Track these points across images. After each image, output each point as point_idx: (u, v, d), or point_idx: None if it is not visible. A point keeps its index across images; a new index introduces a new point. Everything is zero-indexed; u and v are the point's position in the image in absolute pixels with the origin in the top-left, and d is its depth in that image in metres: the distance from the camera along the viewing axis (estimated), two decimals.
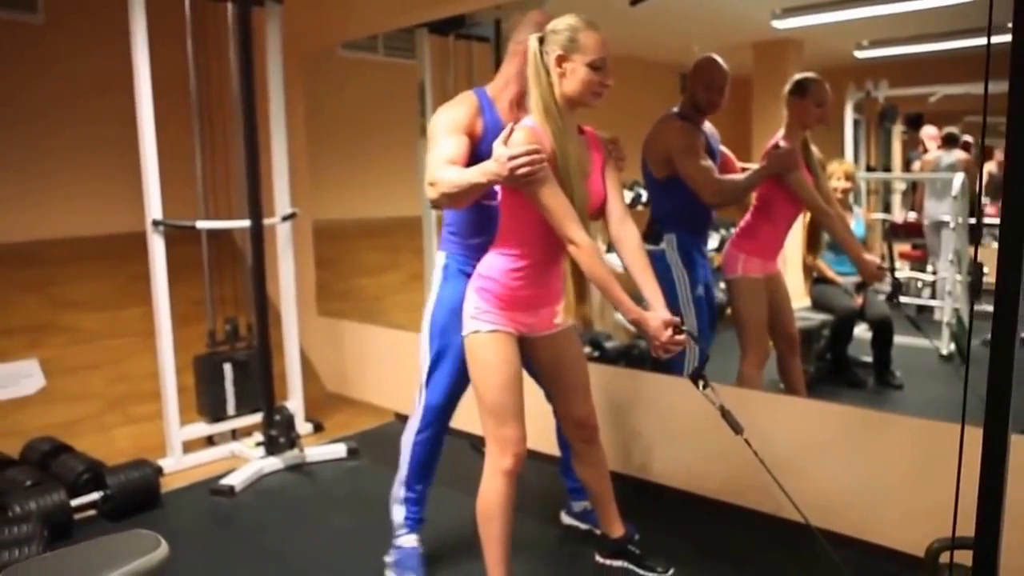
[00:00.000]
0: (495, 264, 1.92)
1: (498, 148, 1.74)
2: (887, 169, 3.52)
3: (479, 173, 1.78)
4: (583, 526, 2.58)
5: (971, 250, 3.06)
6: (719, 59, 2.71)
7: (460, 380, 2.19)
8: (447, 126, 1.99)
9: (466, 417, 2.25)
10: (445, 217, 2.23)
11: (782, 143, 2.67)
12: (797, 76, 2.65)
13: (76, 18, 3.99)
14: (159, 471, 2.94)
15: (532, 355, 2.07)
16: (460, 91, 2.15)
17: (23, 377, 3.48)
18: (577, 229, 1.78)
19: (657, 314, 1.84)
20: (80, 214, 4.07)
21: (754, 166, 2.80)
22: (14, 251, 3.84)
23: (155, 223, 3.11)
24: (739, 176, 2.79)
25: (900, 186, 3.58)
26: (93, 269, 4.00)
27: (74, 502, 2.61)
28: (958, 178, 3.05)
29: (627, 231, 1.96)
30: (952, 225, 3.06)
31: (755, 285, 2.75)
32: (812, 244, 2.87)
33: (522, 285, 1.90)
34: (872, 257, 2.70)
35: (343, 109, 4.15)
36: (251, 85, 3.13)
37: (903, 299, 3.41)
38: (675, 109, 2.78)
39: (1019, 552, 1.78)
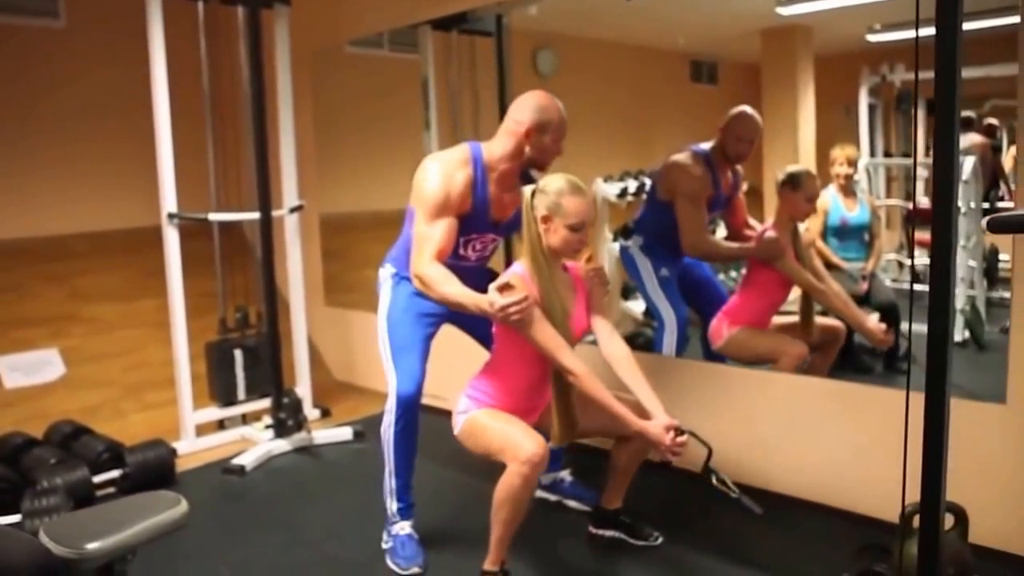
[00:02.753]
0: (487, 381, 2.11)
1: (492, 295, 1.90)
2: (907, 155, 3.48)
3: (471, 302, 1.96)
4: (552, 497, 2.69)
5: (984, 236, 3.04)
6: (753, 113, 2.81)
7: (423, 364, 2.34)
8: (441, 203, 2.09)
9: None
10: (403, 232, 2.32)
11: (770, 233, 2.76)
12: (789, 169, 2.74)
13: (96, 22, 4.13)
14: (174, 451, 3.08)
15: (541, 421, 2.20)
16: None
17: (45, 365, 3.64)
18: (571, 358, 1.95)
19: (657, 421, 1.96)
20: (97, 210, 4.22)
21: (759, 226, 2.92)
22: (38, 245, 4.00)
23: (170, 216, 3.25)
24: (724, 243, 2.93)
25: (924, 172, 3.59)
26: (109, 263, 4.15)
27: (96, 478, 2.76)
28: (968, 161, 2.99)
29: (616, 348, 2.12)
30: (964, 210, 3.02)
31: (743, 331, 2.82)
32: (806, 322, 2.83)
33: (511, 403, 2.09)
34: (878, 324, 2.76)
35: (349, 104, 4.27)
36: (261, 83, 3.27)
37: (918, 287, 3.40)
38: (705, 146, 2.87)
39: (990, 513, 1.90)
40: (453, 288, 2.01)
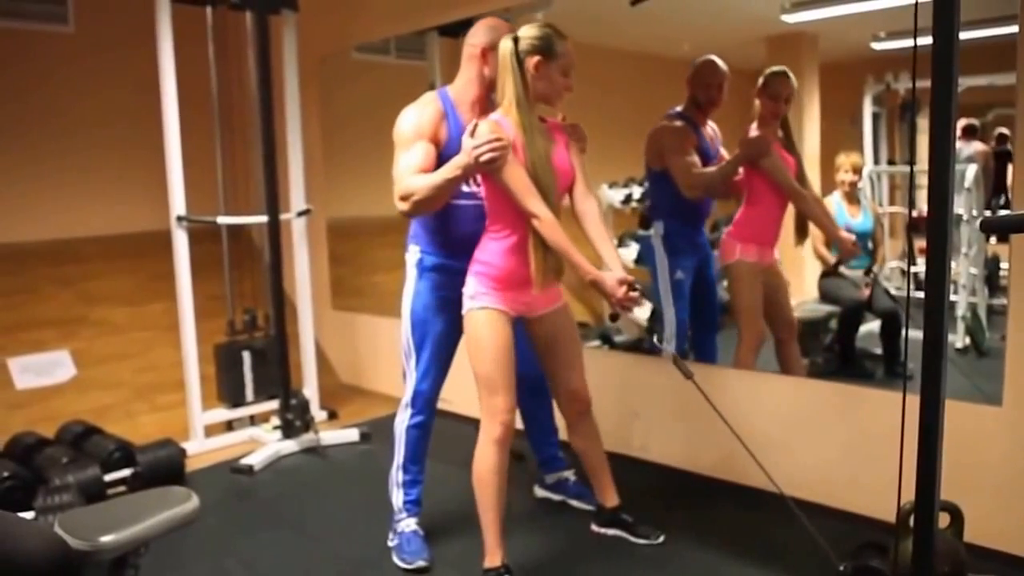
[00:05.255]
0: (489, 247, 2.10)
1: (466, 141, 1.95)
2: (910, 163, 3.56)
3: (451, 168, 1.98)
4: (556, 497, 2.72)
5: (986, 244, 3.10)
6: (717, 60, 2.90)
7: (443, 364, 2.37)
8: (414, 132, 2.13)
9: (476, 404, 2.40)
10: None
11: (754, 131, 2.84)
12: (768, 70, 2.84)
13: (104, 28, 4.20)
14: (183, 451, 3.12)
15: (530, 333, 2.24)
16: None
17: (57, 366, 3.69)
18: (537, 203, 1.98)
19: (613, 273, 2.03)
20: (106, 213, 4.29)
21: None
22: (48, 248, 4.06)
23: (179, 219, 3.30)
24: (713, 168, 2.95)
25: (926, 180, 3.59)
26: (119, 266, 4.22)
27: (107, 477, 2.80)
28: (971, 169, 3.01)
29: (588, 206, 2.17)
30: (966, 218, 3.02)
31: (751, 269, 2.88)
32: (800, 230, 2.96)
33: (515, 263, 2.08)
34: (847, 234, 2.86)
35: (356, 109, 4.31)
36: (269, 88, 3.32)
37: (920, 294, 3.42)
38: (678, 108, 2.97)
39: (985, 512, 1.92)
40: (433, 177, 2.02)
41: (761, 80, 2.83)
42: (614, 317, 2.12)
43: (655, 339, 2.10)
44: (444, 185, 2.00)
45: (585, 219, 2.16)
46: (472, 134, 1.96)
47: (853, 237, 2.88)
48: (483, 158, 1.90)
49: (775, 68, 2.82)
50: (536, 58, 2.01)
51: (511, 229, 2.07)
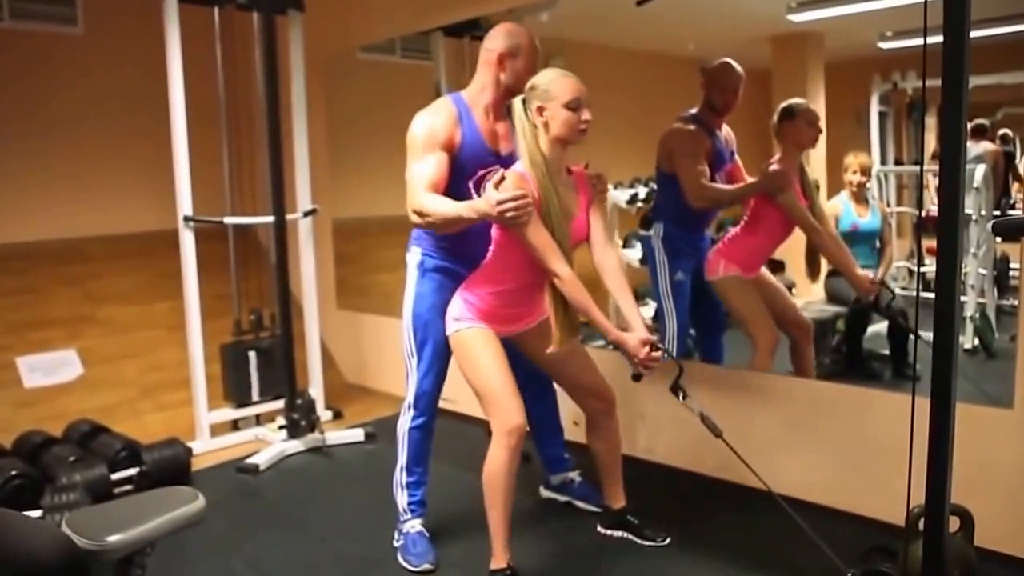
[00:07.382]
0: (480, 284, 2.13)
1: (490, 192, 1.92)
2: (918, 162, 3.45)
3: (469, 209, 1.96)
4: (561, 498, 2.71)
5: (995, 244, 3.09)
6: (733, 63, 2.86)
7: (444, 364, 2.37)
8: (427, 139, 2.11)
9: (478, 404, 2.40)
10: None
11: (775, 165, 2.79)
12: (783, 103, 2.79)
13: (113, 30, 4.20)
14: (189, 451, 3.13)
15: (523, 351, 2.26)
16: None
17: (63, 365, 3.70)
18: (559, 263, 1.98)
19: (635, 334, 2.02)
20: (114, 213, 4.29)
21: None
22: (55, 248, 4.07)
23: (186, 219, 3.31)
24: (727, 186, 2.93)
25: (935, 180, 3.54)
26: (125, 266, 4.22)
27: (114, 476, 2.81)
28: (980, 169, 2.99)
29: (608, 257, 2.16)
30: (975, 218, 3.02)
31: (737, 281, 2.86)
32: (812, 267, 2.93)
33: (503, 304, 2.11)
34: (865, 272, 2.82)
35: (362, 109, 4.32)
36: (275, 88, 3.32)
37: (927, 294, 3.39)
38: (693, 110, 2.93)
39: (996, 517, 1.91)
40: (450, 206, 2.00)
41: (784, 112, 2.76)
42: (636, 377, 2.10)
43: (680, 397, 2.05)
44: (458, 220, 2.00)
45: (605, 271, 2.15)
46: (497, 185, 1.94)
47: (871, 275, 2.86)
48: (507, 215, 1.88)
49: (798, 100, 2.78)
50: (537, 106, 2.01)
51: (510, 277, 2.10)
